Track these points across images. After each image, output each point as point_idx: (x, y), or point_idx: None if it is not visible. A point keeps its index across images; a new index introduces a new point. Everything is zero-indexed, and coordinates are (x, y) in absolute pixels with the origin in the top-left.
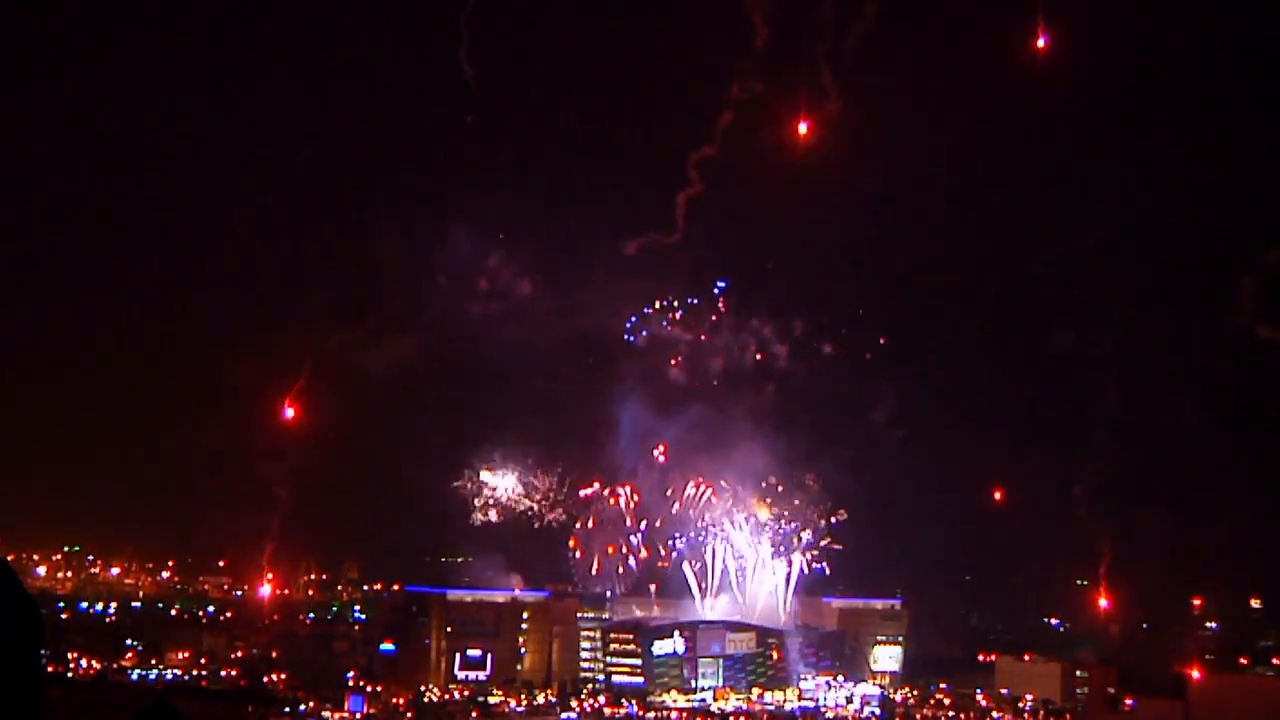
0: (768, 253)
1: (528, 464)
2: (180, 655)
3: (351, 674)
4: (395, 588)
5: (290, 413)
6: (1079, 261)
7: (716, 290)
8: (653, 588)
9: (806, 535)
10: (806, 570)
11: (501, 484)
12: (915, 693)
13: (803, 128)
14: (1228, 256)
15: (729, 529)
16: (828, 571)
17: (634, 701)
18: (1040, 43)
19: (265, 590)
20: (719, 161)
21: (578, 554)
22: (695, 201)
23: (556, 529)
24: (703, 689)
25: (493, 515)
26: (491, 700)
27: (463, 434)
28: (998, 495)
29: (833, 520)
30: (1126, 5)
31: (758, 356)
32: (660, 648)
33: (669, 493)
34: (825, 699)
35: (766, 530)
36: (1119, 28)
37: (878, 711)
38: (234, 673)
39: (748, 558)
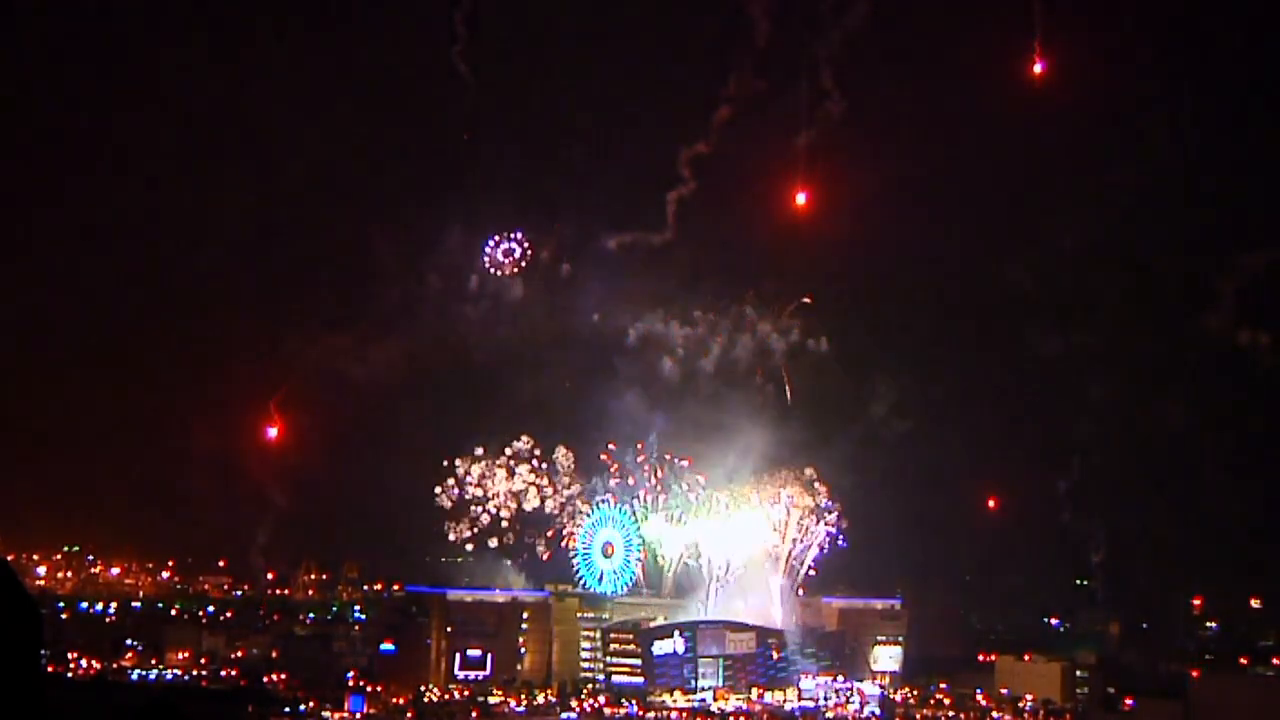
0: (766, 253)
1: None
2: (180, 655)
3: (351, 674)
4: (395, 588)
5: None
6: (1078, 262)
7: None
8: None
9: (806, 533)
10: (806, 570)
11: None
12: (915, 693)
13: (801, 198)
14: (1228, 256)
15: (728, 528)
16: (827, 571)
17: (634, 701)
18: (1037, 68)
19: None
20: (715, 160)
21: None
22: (687, 200)
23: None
24: (703, 689)
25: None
26: (491, 700)
27: (459, 432)
28: (997, 495)
29: (832, 519)
30: (1119, 31)
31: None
32: (660, 648)
33: (669, 493)
34: (825, 699)
35: (766, 529)
36: (1112, 48)
37: (878, 711)
38: (234, 673)
39: (748, 557)
